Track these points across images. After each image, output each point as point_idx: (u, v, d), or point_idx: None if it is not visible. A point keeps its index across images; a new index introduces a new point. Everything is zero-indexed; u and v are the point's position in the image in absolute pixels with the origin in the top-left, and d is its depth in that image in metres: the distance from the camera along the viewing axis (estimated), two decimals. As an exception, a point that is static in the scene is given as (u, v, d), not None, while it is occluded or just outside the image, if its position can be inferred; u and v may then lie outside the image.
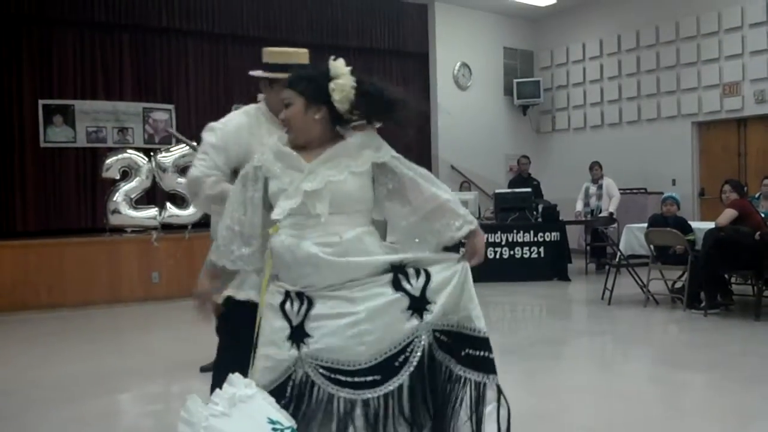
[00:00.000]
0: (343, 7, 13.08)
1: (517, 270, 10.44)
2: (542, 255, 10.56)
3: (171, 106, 11.42)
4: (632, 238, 8.66)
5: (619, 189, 11.91)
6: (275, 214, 2.57)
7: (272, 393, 2.45)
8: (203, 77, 12.06)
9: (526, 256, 10.57)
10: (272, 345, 2.53)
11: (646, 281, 8.27)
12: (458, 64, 14.13)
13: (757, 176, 10.42)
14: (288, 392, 2.48)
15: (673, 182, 12.47)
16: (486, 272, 9.94)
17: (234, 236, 2.71)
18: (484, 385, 2.66)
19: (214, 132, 3.33)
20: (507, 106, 14.85)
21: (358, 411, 2.44)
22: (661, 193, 9.92)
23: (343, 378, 2.45)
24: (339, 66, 2.72)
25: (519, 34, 15.03)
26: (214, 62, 12.16)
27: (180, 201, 9.94)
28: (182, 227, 9.74)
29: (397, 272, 2.55)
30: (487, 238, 10.47)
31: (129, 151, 9.99)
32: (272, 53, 3.46)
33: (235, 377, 2.48)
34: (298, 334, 2.49)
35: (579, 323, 8.11)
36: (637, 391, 4.94)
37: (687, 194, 11.94)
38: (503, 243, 10.57)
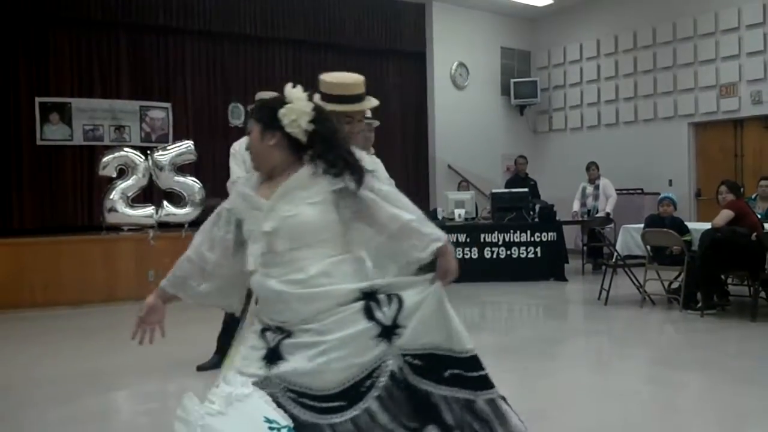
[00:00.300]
0: (340, 6, 13.08)
1: (514, 270, 10.44)
2: (539, 255, 10.56)
3: (168, 105, 11.42)
4: (629, 238, 8.67)
5: (616, 189, 11.92)
6: (249, 265, 2.57)
7: None
8: (200, 76, 12.04)
9: (522, 256, 10.57)
10: (245, 359, 2.53)
11: (642, 282, 8.27)
12: (455, 63, 14.12)
13: (754, 177, 10.44)
14: None
15: (670, 183, 12.49)
16: (483, 272, 10.06)
17: (194, 271, 2.73)
18: (475, 402, 2.59)
19: None
20: (504, 105, 14.85)
21: None
22: (658, 194, 9.91)
23: (309, 402, 2.40)
24: (293, 92, 2.66)
25: (516, 33, 15.03)
26: (211, 61, 12.14)
27: (177, 199, 9.94)
28: (179, 226, 9.73)
29: (369, 299, 2.51)
30: (484, 238, 10.51)
31: (126, 149, 9.96)
32: (328, 84, 3.37)
33: (231, 376, 2.48)
34: (272, 356, 2.47)
35: (575, 323, 8.11)
36: (633, 391, 4.94)
37: (683, 195, 11.96)
38: (500, 243, 10.57)
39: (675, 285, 8.30)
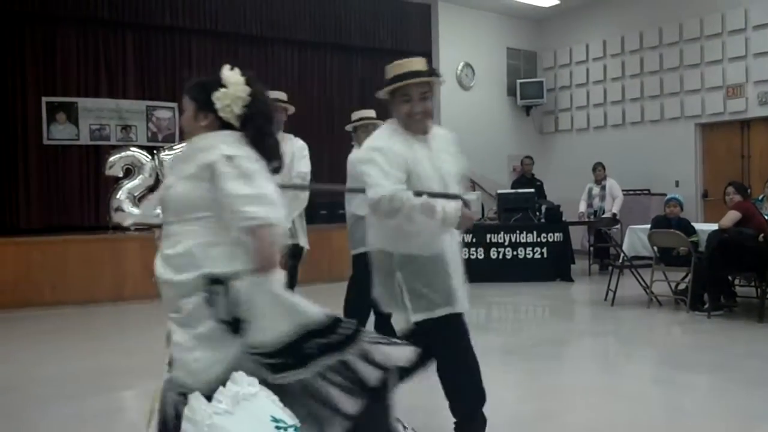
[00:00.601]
0: (346, 6, 13.08)
1: (520, 270, 10.43)
2: (545, 256, 10.54)
3: (174, 105, 11.44)
4: (635, 239, 8.65)
5: (623, 190, 11.90)
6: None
7: None
8: (206, 75, 12.00)
9: (528, 256, 10.56)
10: None
11: (649, 282, 8.26)
12: (461, 64, 14.11)
13: (761, 178, 10.42)
14: None
15: (677, 184, 12.46)
16: (489, 273, 10.05)
17: None
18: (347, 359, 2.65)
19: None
20: (510, 106, 14.84)
21: None
22: (665, 195, 9.90)
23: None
24: (230, 76, 2.73)
25: (522, 34, 15.02)
26: (217, 61, 11.95)
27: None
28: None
29: (210, 292, 2.50)
30: (490, 239, 10.50)
31: (132, 148, 9.99)
32: (392, 66, 3.67)
33: (239, 375, 2.48)
34: None
35: (582, 324, 8.10)
36: (639, 392, 4.93)
37: (690, 196, 11.92)
38: (506, 243, 10.56)
39: (682, 286, 8.27)
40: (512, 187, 12.56)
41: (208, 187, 2.53)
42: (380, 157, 3.27)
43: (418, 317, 3.35)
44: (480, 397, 3.58)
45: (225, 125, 2.67)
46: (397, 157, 3.28)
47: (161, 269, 2.56)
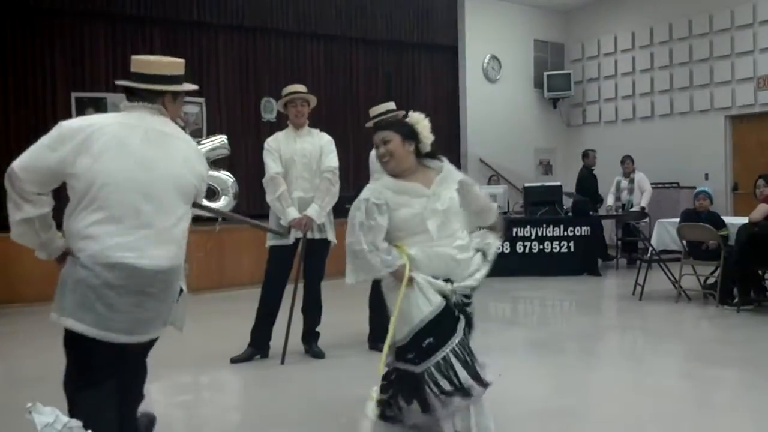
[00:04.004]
0: (372, 0, 13.07)
1: (547, 264, 10.38)
2: (572, 249, 10.47)
3: (201, 100, 11.50)
4: (664, 233, 8.58)
5: (651, 183, 11.78)
6: (433, 235, 3.54)
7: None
8: (233, 71, 12.12)
9: (555, 250, 10.49)
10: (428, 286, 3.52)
11: (678, 277, 8.18)
12: (488, 56, 14.05)
13: (792, 171, 10.27)
14: None
15: (706, 177, 12.32)
16: (515, 266, 10.01)
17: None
18: None
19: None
20: (537, 99, 14.75)
21: None
22: (694, 188, 9.80)
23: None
24: (417, 116, 3.76)
25: (549, 26, 14.93)
26: (243, 56, 12.21)
27: (211, 194, 9.99)
28: (212, 220, 9.79)
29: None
30: (517, 233, 10.46)
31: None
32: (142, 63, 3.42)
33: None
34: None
35: (609, 318, 8.04)
36: (667, 387, 4.89)
37: (720, 189, 11.79)
38: (533, 237, 10.50)
39: (711, 280, 8.19)
40: (578, 182, 12.48)
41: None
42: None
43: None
44: None
45: (418, 151, 3.69)
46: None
47: (460, 254, 3.59)
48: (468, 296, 3.63)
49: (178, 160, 3.11)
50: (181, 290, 3.25)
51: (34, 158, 2.92)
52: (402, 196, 3.54)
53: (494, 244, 3.80)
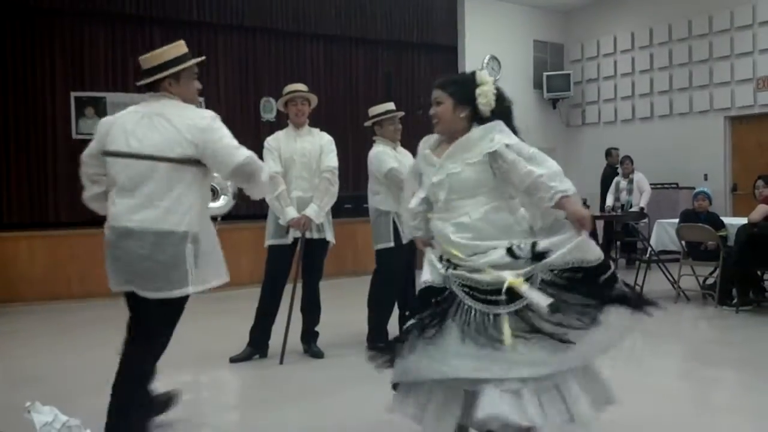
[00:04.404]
0: (371, 0, 13.08)
1: (546, 264, 10.35)
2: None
3: (201, 99, 11.45)
4: (663, 233, 8.58)
5: (650, 184, 11.77)
6: (411, 203, 3.44)
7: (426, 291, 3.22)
8: (233, 70, 12.13)
9: (554, 250, 10.45)
10: (431, 266, 3.27)
11: (676, 277, 8.19)
12: (487, 57, 14.05)
13: (792, 171, 10.27)
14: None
15: (705, 177, 12.33)
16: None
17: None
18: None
19: None
20: (536, 99, 14.75)
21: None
22: (693, 189, 9.80)
23: (478, 295, 3.08)
24: (484, 76, 3.33)
25: (549, 26, 14.93)
26: (243, 55, 12.22)
27: (211, 193, 9.99)
28: (212, 219, 9.78)
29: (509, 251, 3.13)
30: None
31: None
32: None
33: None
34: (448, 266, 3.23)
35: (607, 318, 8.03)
36: (665, 387, 4.89)
37: (719, 190, 11.80)
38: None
39: (710, 281, 8.20)
40: (601, 180, 12.41)
41: (488, 170, 3.22)
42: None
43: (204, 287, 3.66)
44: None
45: (476, 116, 3.29)
46: None
47: (455, 235, 3.19)
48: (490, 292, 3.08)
49: (162, 136, 3.45)
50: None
51: (88, 148, 3.59)
52: (423, 164, 3.42)
53: (557, 250, 3.09)
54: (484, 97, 3.26)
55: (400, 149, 6.12)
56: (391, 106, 6.10)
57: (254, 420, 4.36)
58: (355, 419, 4.25)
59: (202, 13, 11.63)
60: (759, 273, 7.79)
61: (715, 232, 7.67)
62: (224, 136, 3.51)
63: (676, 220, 8.38)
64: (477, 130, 3.26)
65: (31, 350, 6.42)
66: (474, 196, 3.21)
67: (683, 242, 8.11)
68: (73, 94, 10.74)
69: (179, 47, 3.85)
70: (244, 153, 3.48)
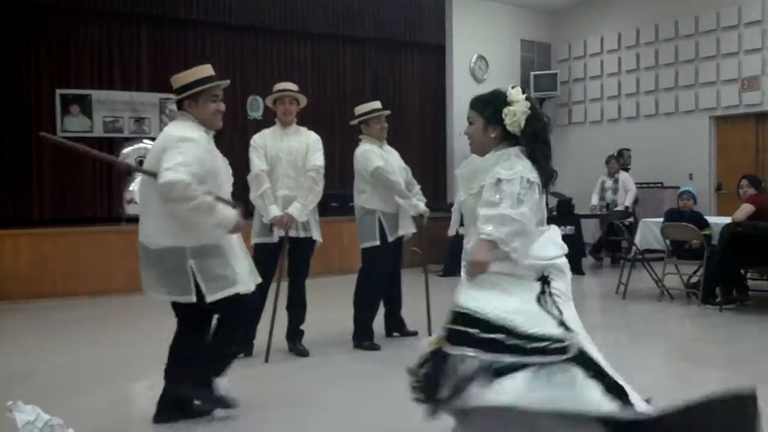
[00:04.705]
0: (360, -2, 13.10)
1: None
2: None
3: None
4: (648, 232, 8.62)
5: (636, 183, 11.82)
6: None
7: None
8: (220, 68, 11.93)
9: (540, 249, 10.49)
10: None
11: (661, 276, 8.23)
12: (475, 56, 14.07)
13: (775, 171, 10.35)
14: None
15: (690, 177, 12.39)
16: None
17: None
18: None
19: None
20: (524, 99, 14.75)
21: None
22: (678, 188, 9.86)
23: None
24: (515, 94, 3.17)
25: (536, 26, 14.96)
26: (230, 53, 12.19)
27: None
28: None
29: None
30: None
31: (146, 141, 10.03)
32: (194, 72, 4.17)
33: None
34: None
35: (592, 317, 8.06)
36: (649, 385, 4.89)
37: (704, 189, 11.86)
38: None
39: (694, 279, 8.25)
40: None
41: None
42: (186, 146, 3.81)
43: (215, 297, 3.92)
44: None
45: (508, 135, 3.16)
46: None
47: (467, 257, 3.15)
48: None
49: (153, 154, 3.97)
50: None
51: None
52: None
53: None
54: (511, 117, 3.14)
55: (387, 148, 6.14)
56: (377, 105, 6.11)
57: (238, 419, 4.36)
58: (340, 418, 4.26)
59: (189, 11, 11.59)
60: (742, 272, 7.85)
61: (699, 231, 7.71)
62: (171, 156, 3.70)
63: (661, 219, 8.42)
64: (490, 157, 3.17)
65: (17, 349, 6.39)
66: (475, 224, 3.13)
67: (668, 241, 8.15)
68: (58, 92, 10.69)
69: (202, 71, 4.10)
70: (167, 176, 3.64)
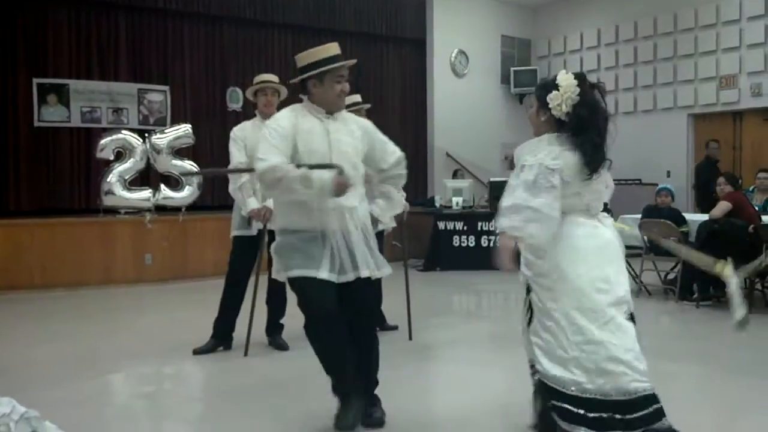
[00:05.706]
0: (341, -10, 13.05)
1: (511, 258, 10.40)
2: (536, 244, 10.51)
3: (166, 88, 11.35)
4: (626, 228, 8.66)
5: (614, 180, 11.77)
6: None
7: None
8: (199, 59, 12.01)
9: (520, 244, 10.52)
10: None
11: (638, 272, 8.28)
12: (455, 51, 14.08)
13: (752, 169, 10.44)
14: None
15: (668, 174, 12.48)
16: (479, 260, 10.05)
17: None
18: None
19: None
20: (504, 94, 14.81)
21: None
22: (656, 185, 9.91)
23: None
24: (564, 78, 3.16)
25: (517, 22, 14.99)
26: (209, 44, 12.10)
27: (174, 183, 9.92)
28: (176, 209, 9.72)
29: None
30: (481, 226, 10.53)
31: (123, 131, 9.94)
32: (315, 52, 3.95)
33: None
34: None
35: (571, 313, 8.11)
36: (628, 381, 4.94)
37: (681, 186, 11.94)
38: (497, 231, 10.51)
39: (671, 276, 8.31)
40: (696, 174, 11.93)
41: None
42: (270, 132, 3.69)
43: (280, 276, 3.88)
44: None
45: (560, 122, 3.16)
46: (285, 132, 3.69)
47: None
48: None
49: None
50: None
51: None
52: None
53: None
54: (556, 100, 3.14)
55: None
56: (357, 98, 6.08)
57: (218, 412, 4.34)
58: (319, 411, 4.24)
59: (168, 1, 11.49)
60: (719, 269, 7.91)
61: (676, 227, 7.77)
62: (259, 143, 3.79)
63: (639, 216, 8.47)
64: (532, 142, 3.27)
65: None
66: None
67: (645, 238, 8.20)
68: (35, 81, 10.54)
69: (329, 49, 3.90)
70: (258, 166, 3.65)
